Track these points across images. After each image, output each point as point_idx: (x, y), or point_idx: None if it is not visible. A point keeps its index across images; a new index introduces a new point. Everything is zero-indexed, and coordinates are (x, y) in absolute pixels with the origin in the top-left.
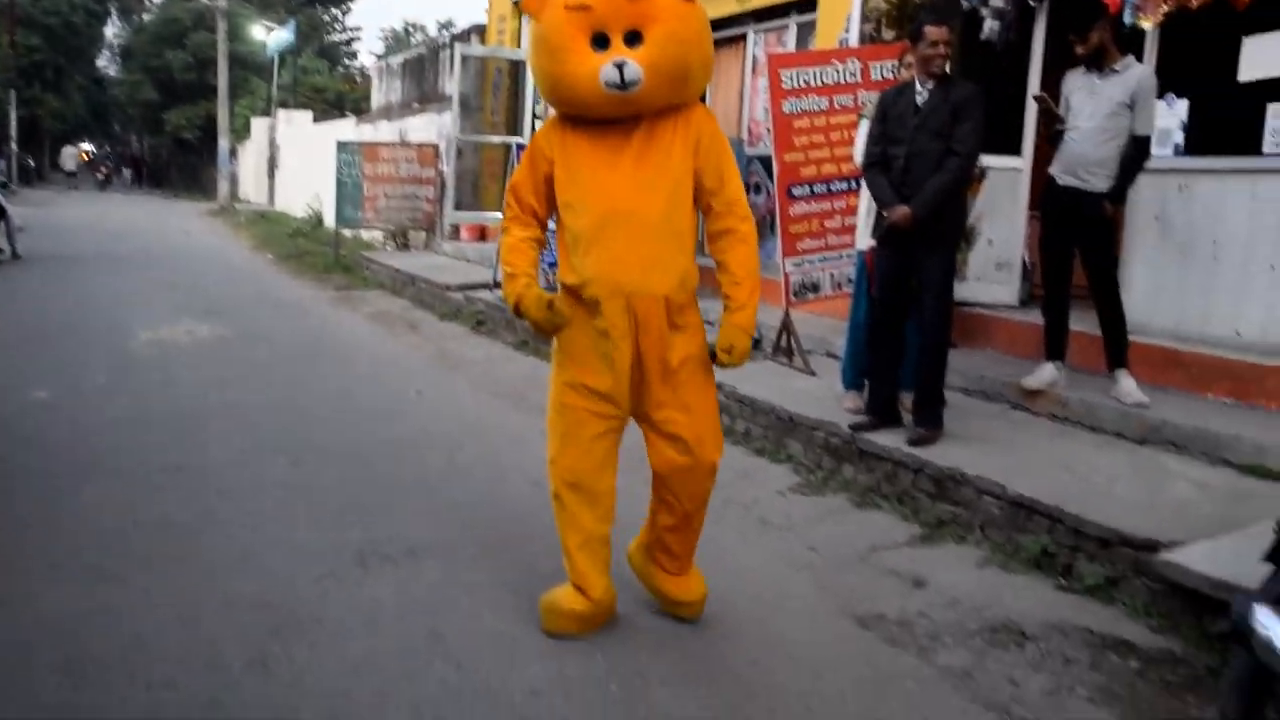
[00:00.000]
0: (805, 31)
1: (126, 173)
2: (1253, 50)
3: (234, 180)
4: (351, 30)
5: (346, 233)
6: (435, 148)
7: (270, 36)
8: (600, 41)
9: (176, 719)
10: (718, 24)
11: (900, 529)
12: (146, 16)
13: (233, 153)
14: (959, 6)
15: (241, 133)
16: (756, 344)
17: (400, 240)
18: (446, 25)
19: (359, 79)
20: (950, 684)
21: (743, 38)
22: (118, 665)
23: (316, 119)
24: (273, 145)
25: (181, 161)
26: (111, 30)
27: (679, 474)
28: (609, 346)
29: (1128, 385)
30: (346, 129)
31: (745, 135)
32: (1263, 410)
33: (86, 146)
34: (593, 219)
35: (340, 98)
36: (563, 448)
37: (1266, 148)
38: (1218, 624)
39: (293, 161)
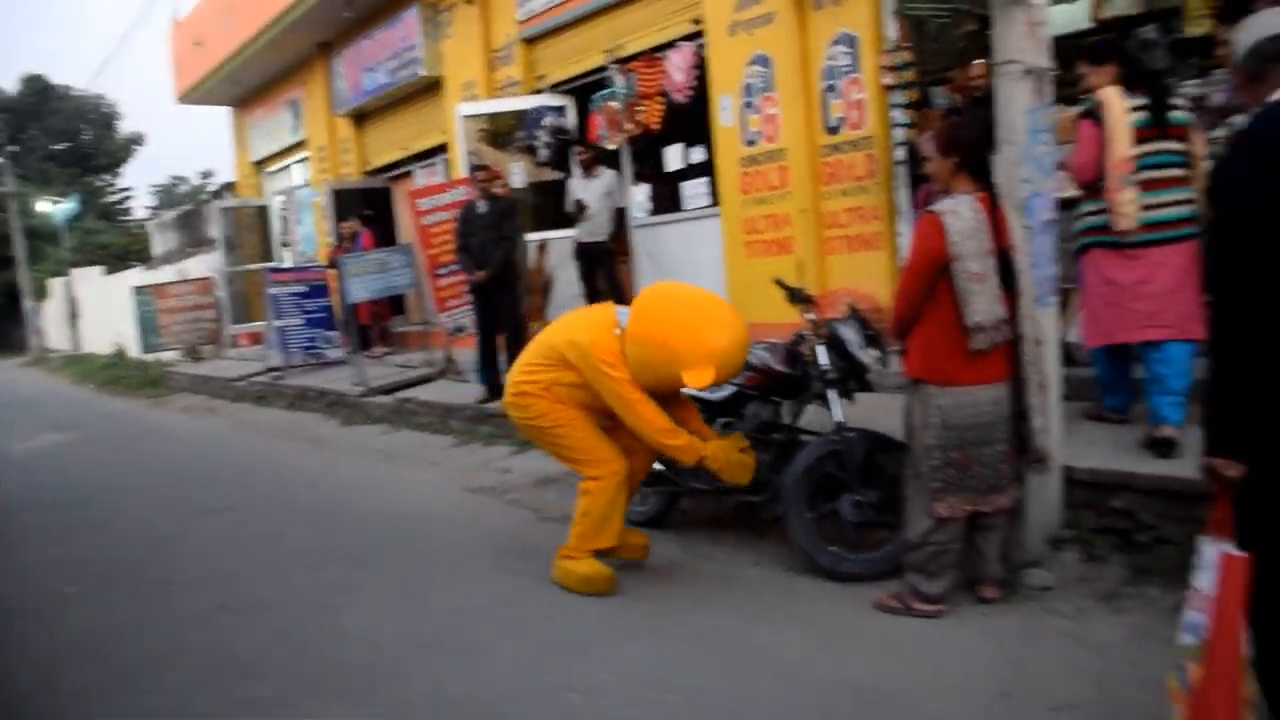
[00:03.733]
0: (446, 166)
1: None
2: (667, 155)
3: (40, 334)
4: (124, 190)
5: (150, 357)
6: (210, 279)
7: (57, 209)
8: None
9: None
10: (393, 165)
11: (507, 450)
12: None
13: (35, 311)
14: (525, 142)
15: (41, 293)
16: None
17: (194, 355)
18: (207, 175)
19: (138, 231)
20: (509, 504)
21: (409, 173)
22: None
23: (108, 271)
24: (71, 299)
25: None
26: None
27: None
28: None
29: None
30: (136, 276)
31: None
32: None
33: None
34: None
35: (125, 250)
36: (611, 453)
37: (684, 207)
38: None
39: (91, 310)
